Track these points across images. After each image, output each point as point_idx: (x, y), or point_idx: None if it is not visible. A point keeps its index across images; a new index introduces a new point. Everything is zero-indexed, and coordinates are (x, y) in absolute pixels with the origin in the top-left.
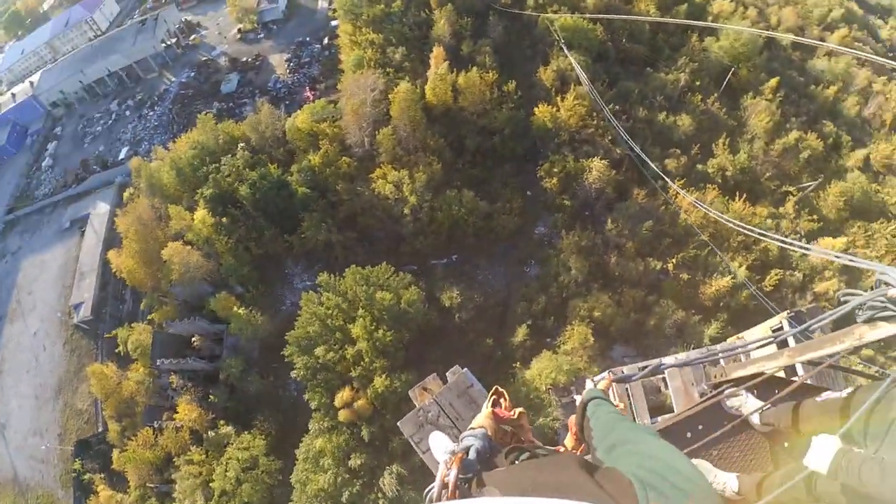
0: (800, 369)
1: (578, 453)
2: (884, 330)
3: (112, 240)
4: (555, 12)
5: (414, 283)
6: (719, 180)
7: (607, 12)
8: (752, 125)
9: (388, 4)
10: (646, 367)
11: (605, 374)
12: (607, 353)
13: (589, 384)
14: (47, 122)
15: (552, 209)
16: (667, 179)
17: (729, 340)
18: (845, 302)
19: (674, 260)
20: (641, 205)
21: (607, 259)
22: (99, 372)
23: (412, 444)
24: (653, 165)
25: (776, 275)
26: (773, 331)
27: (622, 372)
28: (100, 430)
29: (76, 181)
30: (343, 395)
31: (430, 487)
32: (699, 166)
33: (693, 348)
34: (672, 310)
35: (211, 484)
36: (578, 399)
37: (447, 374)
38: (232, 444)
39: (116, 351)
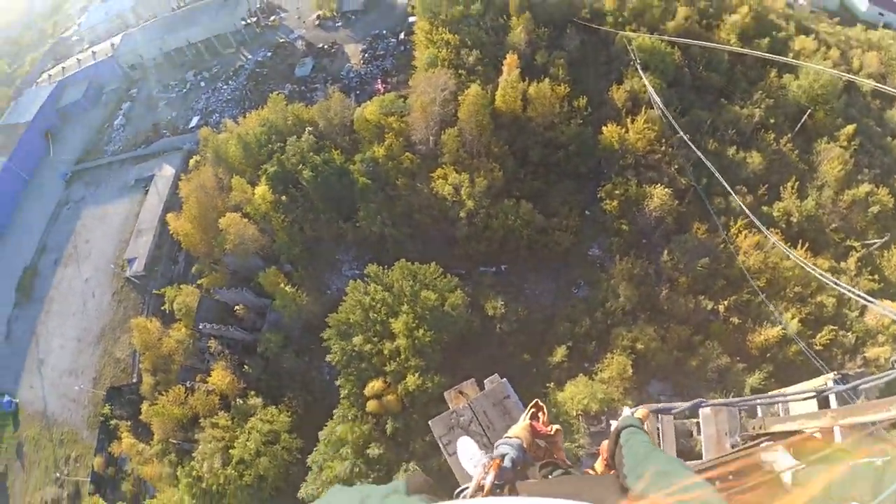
0: (838, 434)
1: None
2: None
3: (173, 203)
4: (634, 31)
5: (460, 287)
6: (783, 225)
7: (687, 37)
8: (823, 171)
9: (466, 6)
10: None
11: (642, 408)
12: (644, 387)
13: (626, 411)
14: (124, 83)
15: (609, 232)
16: (750, 216)
17: (771, 393)
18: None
19: (726, 302)
20: (700, 240)
21: (658, 291)
22: (142, 325)
23: (440, 444)
24: (737, 199)
25: (829, 332)
26: (818, 391)
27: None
28: (134, 380)
29: (146, 142)
30: (374, 386)
31: (462, 488)
32: (764, 208)
33: (732, 396)
34: (717, 353)
35: (231, 450)
36: (612, 426)
37: (485, 381)
38: (257, 415)
39: (162, 308)
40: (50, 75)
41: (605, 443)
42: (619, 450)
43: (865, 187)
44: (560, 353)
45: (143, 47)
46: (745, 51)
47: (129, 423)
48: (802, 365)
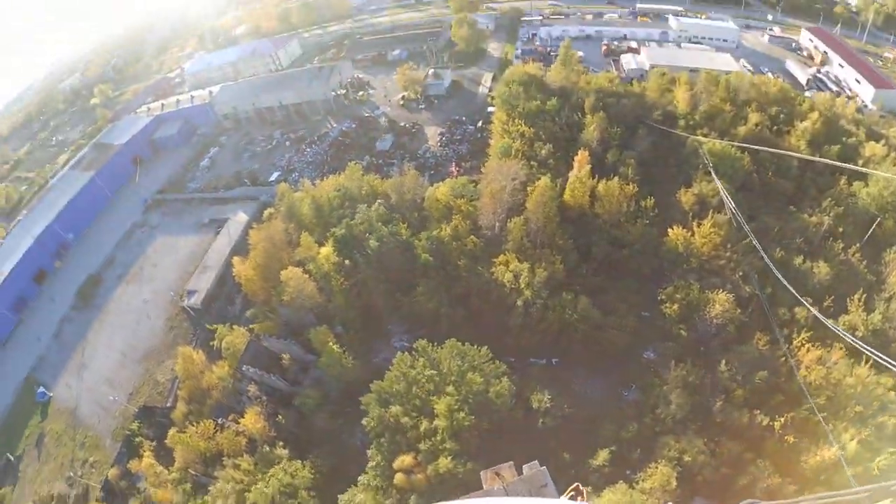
0: None
1: None
2: None
3: (241, 248)
4: (705, 135)
5: (508, 375)
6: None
7: (757, 143)
8: (892, 283)
9: (543, 102)
10: None
11: None
12: (687, 502)
13: None
14: (215, 129)
15: (666, 336)
16: (828, 323)
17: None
18: None
19: (782, 419)
20: (761, 351)
21: (712, 402)
22: (188, 355)
23: None
24: (811, 308)
25: (890, 456)
26: None
27: None
28: (168, 404)
29: (226, 187)
30: (404, 461)
31: None
32: (830, 321)
33: None
34: (768, 473)
35: (246, 493)
36: None
37: (524, 466)
38: (281, 465)
39: (210, 344)
40: (149, 108)
41: None
42: None
43: None
44: (602, 456)
45: (239, 100)
46: (815, 158)
47: (153, 443)
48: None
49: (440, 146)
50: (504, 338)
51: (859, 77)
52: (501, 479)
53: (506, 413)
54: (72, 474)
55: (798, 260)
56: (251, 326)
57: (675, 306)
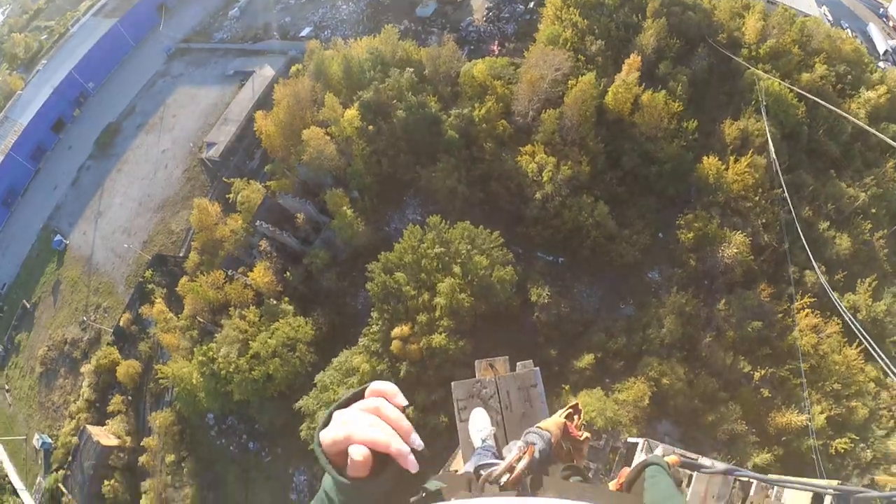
0: None
1: None
2: None
3: (264, 102)
4: (766, 71)
5: (513, 264)
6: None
7: (818, 96)
8: None
9: None
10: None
11: (674, 455)
12: (654, 423)
13: (658, 451)
14: None
15: (674, 262)
16: (835, 298)
17: (770, 476)
18: None
19: (763, 371)
20: (762, 302)
21: (702, 336)
22: (204, 206)
23: (455, 407)
24: (821, 276)
25: (849, 442)
26: (816, 492)
27: (667, 449)
28: (181, 254)
29: (254, 39)
30: (402, 330)
31: (490, 467)
32: (835, 294)
33: (732, 464)
34: (736, 417)
35: (250, 343)
36: (608, 443)
37: (517, 363)
38: (285, 319)
39: (226, 197)
40: None
41: (626, 469)
42: (642, 482)
43: None
44: (587, 359)
45: None
46: (873, 131)
47: (164, 291)
48: (811, 462)
49: (485, 22)
50: (516, 227)
51: None
52: (494, 371)
53: (504, 300)
54: (85, 319)
55: (823, 225)
56: (268, 183)
57: (691, 235)
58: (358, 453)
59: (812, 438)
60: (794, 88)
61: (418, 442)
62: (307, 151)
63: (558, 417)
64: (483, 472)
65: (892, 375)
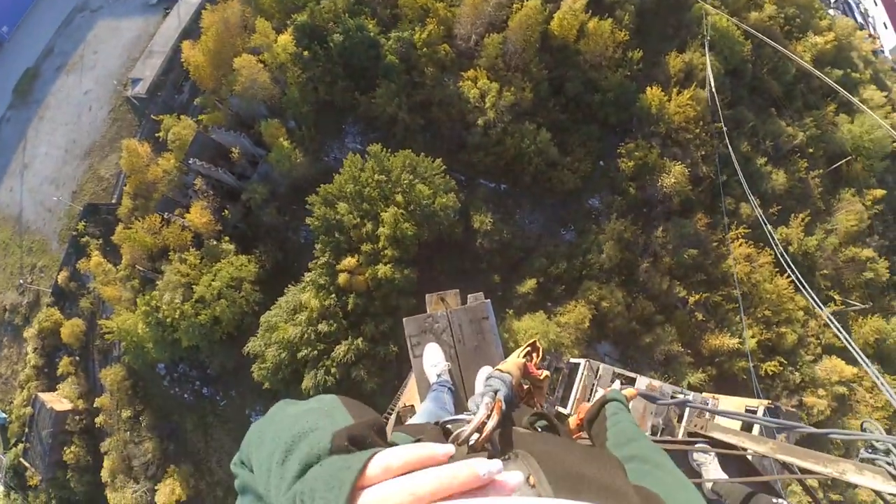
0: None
1: (574, 438)
2: (865, 479)
3: (191, 31)
4: (714, 6)
5: (456, 191)
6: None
7: (765, 35)
8: (837, 219)
9: None
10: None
11: (632, 388)
12: (594, 344)
13: (616, 385)
14: None
15: (615, 189)
16: (769, 231)
17: (704, 395)
18: (866, 430)
19: (698, 296)
20: (698, 231)
21: (640, 262)
22: (133, 148)
23: (409, 343)
24: (757, 209)
25: (778, 365)
26: (748, 410)
27: (618, 378)
28: (113, 201)
29: None
30: (348, 262)
31: (456, 419)
32: (768, 227)
33: (669, 383)
34: (671, 339)
35: (193, 287)
36: (599, 392)
37: (469, 296)
38: (227, 259)
39: (156, 136)
40: None
41: (585, 404)
42: (603, 419)
43: (869, 252)
44: (529, 284)
45: None
46: (817, 73)
47: (100, 242)
48: (742, 382)
49: None
50: (458, 154)
51: (888, 22)
52: (445, 305)
53: (447, 227)
54: (21, 282)
55: (761, 161)
56: (199, 117)
57: (632, 163)
58: None
59: (748, 360)
60: (742, 25)
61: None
62: (239, 81)
63: (517, 358)
64: (451, 428)
65: (817, 307)
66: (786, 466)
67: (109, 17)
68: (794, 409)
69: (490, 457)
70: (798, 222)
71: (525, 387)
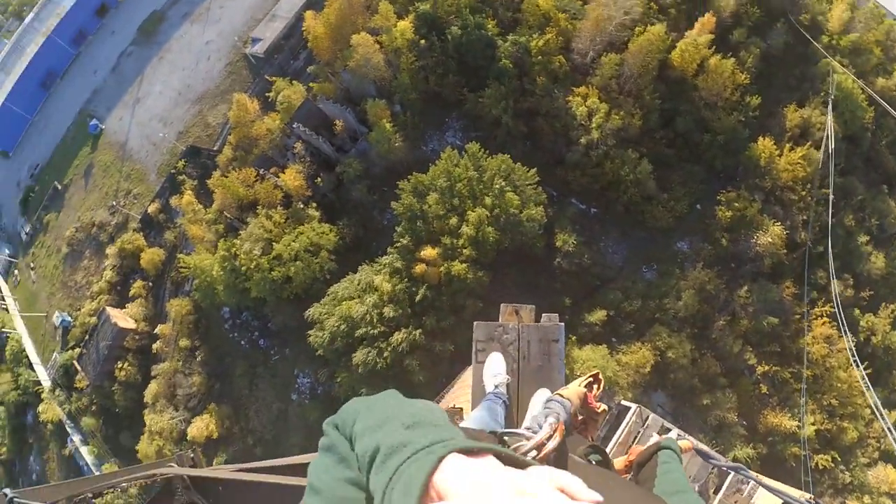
0: None
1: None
2: None
3: (315, 2)
4: (843, 65)
5: (544, 205)
6: (861, 338)
7: (891, 104)
8: None
9: None
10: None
11: (688, 438)
12: (650, 391)
13: (673, 434)
14: None
15: (707, 237)
16: (838, 310)
17: (755, 474)
18: None
19: (767, 367)
20: (783, 299)
21: (716, 318)
22: (243, 102)
23: (474, 347)
24: (834, 292)
25: (831, 460)
26: (786, 501)
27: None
28: (215, 148)
29: None
30: (429, 252)
31: (516, 441)
32: (856, 310)
33: (716, 451)
34: (729, 406)
35: (273, 243)
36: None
37: (543, 315)
38: (310, 224)
39: (266, 95)
40: None
41: (638, 447)
42: (654, 465)
43: None
44: (598, 315)
45: None
46: None
47: (195, 183)
48: (790, 469)
49: None
50: (554, 168)
51: None
52: (519, 318)
53: (529, 239)
54: (114, 203)
55: (862, 238)
56: (311, 84)
57: (730, 214)
58: None
59: (803, 448)
60: (868, 90)
61: None
62: (354, 58)
63: (578, 386)
64: (507, 440)
65: (876, 411)
66: None
67: None
68: None
69: None
70: (888, 313)
71: (580, 417)
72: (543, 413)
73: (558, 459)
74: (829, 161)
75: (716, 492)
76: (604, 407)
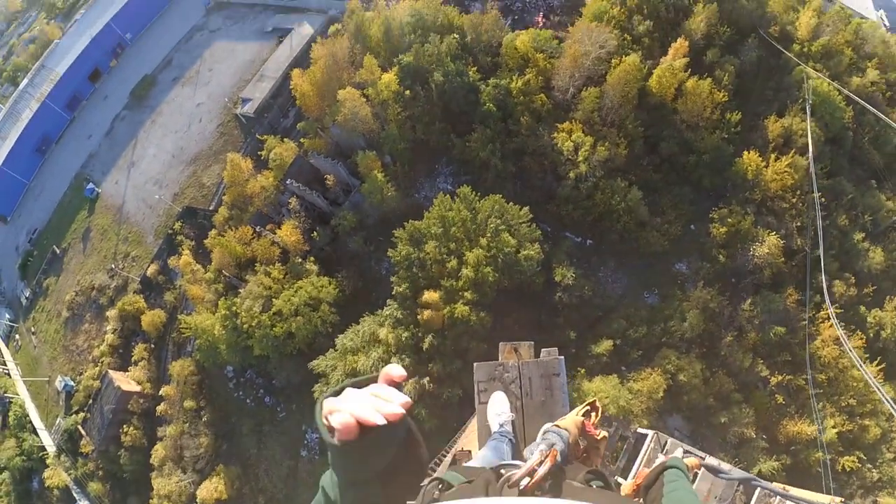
0: None
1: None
2: None
3: (301, 61)
4: (816, 71)
5: (540, 241)
6: (871, 334)
7: (868, 102)
8: None
9: None
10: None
11: (695, 458)
12: (664, 416)
13: (679, 453)
14: None
15: (704, 256)
16: (830, 308)
17: (775, 484)
18: None
19: (780, 377)
20: (787, 307)
21: (723, 335)
22: (236, 161)
23: (476, 388)
24: (825, 291)
25: (856, 460)
26: None
27: (686, 456)
28: (211, 208)
29: None
30: (430, 296)
31: (511, 469)
32: (862, 308)
33: (739, 468)
34: (747, 420)
35: (273, 300)
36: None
37: (542, 350)
38: (308, 279)
39: (258, 154)
40: None
41: (644, 470)
42: (660, 486)
43: None
44: (605, 346)
45: None
46: None
47: (192, 243)
48: (816, 475)
49: None
50: (546, 205)
51: None
52: (518, 356)
53: (528, 277)
54: (113, 266)
55: (858, 236)
56: (301, 140)
57: (724, 230)
58: (337, 420)
59: (823, 452)
60: (844, 91)
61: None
62: (342, 112)
63: (576, 416)
64: (504, 472)
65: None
66: None
67: (226, 38)
68: None
69: None
70: (894, 305)
71: (582, 446)
72: (538, 443)
73: (554, 486)
74: (811, 165)
75: None
76: (604, 433)
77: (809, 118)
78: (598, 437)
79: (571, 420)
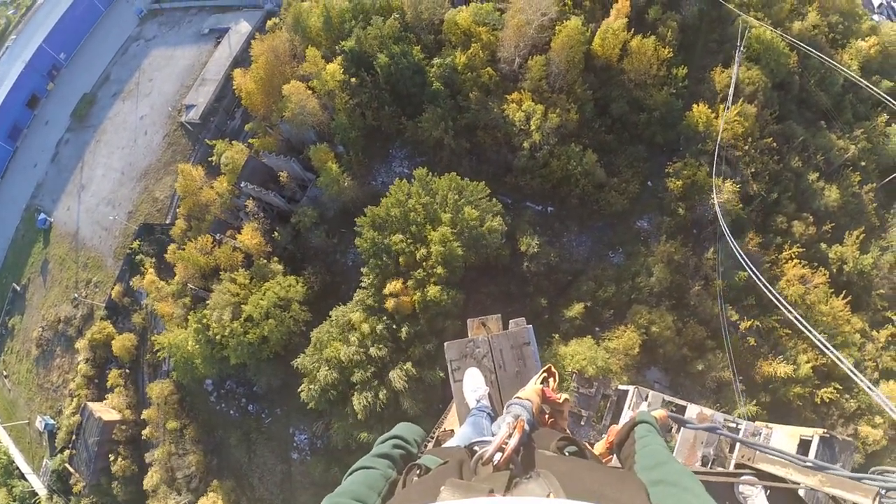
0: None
1: (604, 461)
2: None
3: (242, 60)
4: (758, 19)
5: (502, 214)
6: (834, 269)
7: (810, 45)
8: (894, 236)
9: None
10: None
11: (661, 409)
12: (643, 370)
13: (644, 406)
14: None
15: (664, 210)
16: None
17: (757, 423)
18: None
19: (750, 321)
20: (750, 251)
21: (690, 285)
22: (187, 171)
23: (449, 368)
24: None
25: (833, 392)
26: (802, 439)
27: (668, 406)
28: (167, 222)
29: None
30: (394, 286)
31: (483, 447)
32: (823, 245)
33: (721, 412)
34: (723, 365)
35: (242, 306)
36: (599, 392)
37: (510, 321)
38: (275, 280)
39: (209, 160)
40: None
41: (614, 427)
42: (632, 442)
43: None
44: (577, 309)
45: None
46: (865, 83)
47: (153, 260)
48: (796, 409)
49: None
50: (504, 177)
51: None
52: (487, 330)
53: (494, 250)
54: (76, 296)
55: (812, 176)
56: (251, 141)
57: (681, 183)
58: None
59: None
60: (786, 37)
61: None
62: (289, 107)
63: (535, 384)
64: (477, 449)
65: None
66: (836, 501)
67: (163, 46)
68: (849, 439)
69: (512, 476)
70: (853, 240)
71: (547, 413)
72: (504, 417)
73: (526, 457)
74: (723, 112)
75: (731, 451)
76: (565, 396)
77: (754, 66)
78: (560, 401)
79: (532, 389)
